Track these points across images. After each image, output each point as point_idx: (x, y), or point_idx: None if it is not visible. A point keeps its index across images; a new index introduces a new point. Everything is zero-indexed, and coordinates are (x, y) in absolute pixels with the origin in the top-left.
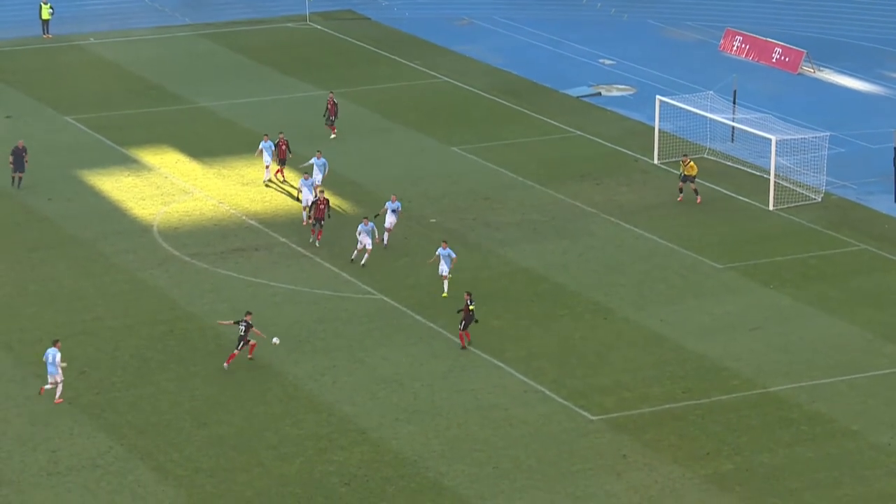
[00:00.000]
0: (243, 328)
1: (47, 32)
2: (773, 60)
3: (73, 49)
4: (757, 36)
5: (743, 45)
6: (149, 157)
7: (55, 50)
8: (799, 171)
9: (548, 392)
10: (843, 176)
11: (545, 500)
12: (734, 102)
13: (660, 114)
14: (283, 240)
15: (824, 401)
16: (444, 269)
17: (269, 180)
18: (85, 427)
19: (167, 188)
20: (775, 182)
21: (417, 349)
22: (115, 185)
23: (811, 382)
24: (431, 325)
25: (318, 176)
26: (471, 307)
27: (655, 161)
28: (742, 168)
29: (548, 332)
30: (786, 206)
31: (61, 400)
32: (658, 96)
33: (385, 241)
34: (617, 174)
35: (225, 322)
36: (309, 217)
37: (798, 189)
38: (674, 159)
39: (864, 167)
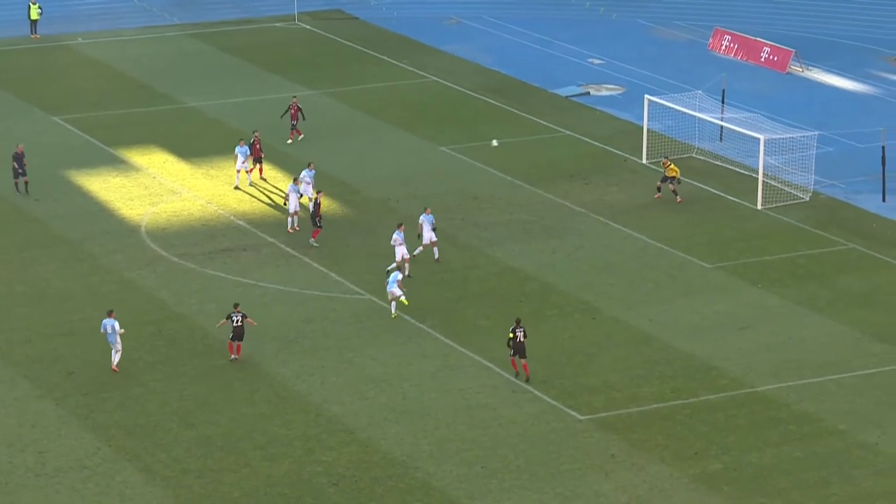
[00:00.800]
0: (238, 319)
1: (35, 32)
2: (762, 60)
3: (61, 49)
4: (746, 35)
5: (732, 45)
6: (137, 157)
7: (43, 50)
8: (787, 171)
9: (536, 392)
10: (832, 175)
11: (533, 500)
12: (723, 102)
13: (648, 113)
14: (272, 240)
15: (812, 400)
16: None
17: (253, 183)
18: (73, 428)
19: (155, 188)
20: (763, 181)
21: (406, 349)
22: (104, 186)
23: (799, 382)
24: (420, 325)
25: (307, 189)
26: (519, 336)
27: (644, 161)
28: (730, 167)
29: (537, 332)
30: (774, 205)
31: (118, 369)
32: (647, 96)
33: (436, 256)
34: (606, 174)
35: (221, 323)
36: (295, 226)
37: (786, 188)
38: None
39: (852, 166)
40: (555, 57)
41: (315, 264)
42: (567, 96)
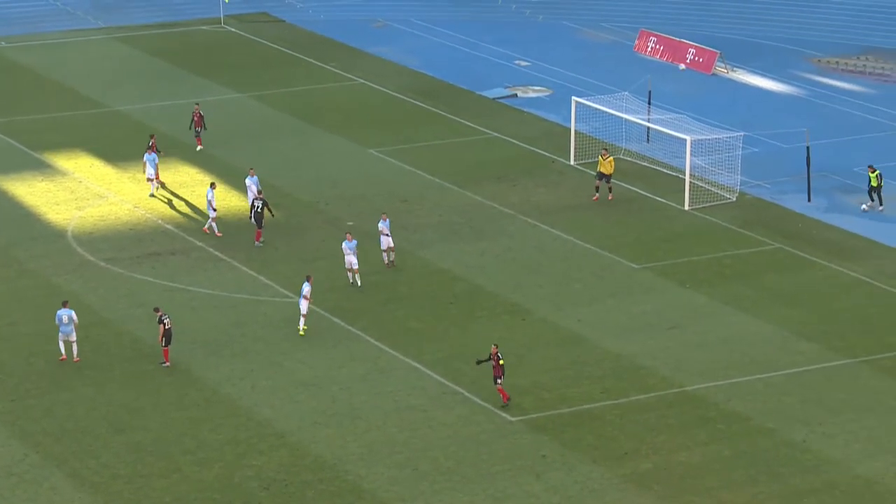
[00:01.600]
0: (167, 321)
1: None
2: (688, 61)
3: None
4: (671, 37)
5: (657, 46)
6: (63, 161)
7: None
8: (714, 171)
9: (466, 393)
10: (757, 175)
11: (465, 502)
12: (649, 103)
13: (576, 115)
14: (200, 244)
15: (740, 399)
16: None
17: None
18: None
19: (81, 193)
20: (690, 182)
21: (336, 352)
22: (29, 190)
23: (727, 381)
24: (350, 328)
25: (250, 194)
26: (501, 361)
27: (572, 162)
28: (657, 168)
29: (466, 334)
30: (701, 205)
31: (79, 359)
32: (574, 97)
33: (387, 261)
34: (534, 175)
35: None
36: (212, 230)
37: (713, 189)
38: (591, 160)
39: (777, 167)
40: (481, 59)
41: (244, 268)
42: (494, 98)
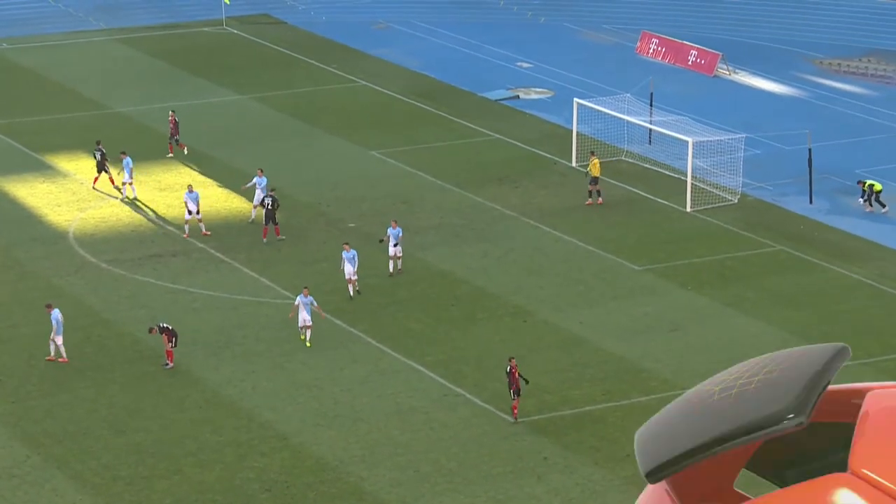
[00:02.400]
0: (167, 325)
1: None
2: (690, 63)
3: None
4: (673, 38)
5: (659, 48)
6: (64, 163)
7: None
8: (715, 173)
9: (468, 395)
10: (759, 177)
11: None
12: (651, 105)
13: (577, 116)
14: (202, 245)
15: None
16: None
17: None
18: (0, 436)
19: (83, 194)
20: (692, 184)
21: (337, 354)
22: (30, 192)
23: None
24: (351, 329)
25: (258, 195)
26: (518, 374)
27: (573, 164)
28: (659, 170)
29: (467, 336)
30: (703, 207)
31: (66, 360)
32: (576, 99)
33: (392, 269)
34: (535, 177)
35: (167, 344)
36: (186, 233)
37: (715, 191)
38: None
39: (779, 168)
40: (483, 61)
41: (245, 269)
42: (496, 100)
